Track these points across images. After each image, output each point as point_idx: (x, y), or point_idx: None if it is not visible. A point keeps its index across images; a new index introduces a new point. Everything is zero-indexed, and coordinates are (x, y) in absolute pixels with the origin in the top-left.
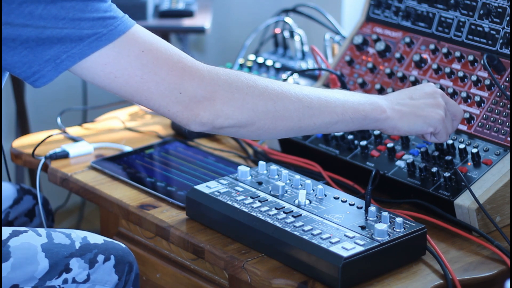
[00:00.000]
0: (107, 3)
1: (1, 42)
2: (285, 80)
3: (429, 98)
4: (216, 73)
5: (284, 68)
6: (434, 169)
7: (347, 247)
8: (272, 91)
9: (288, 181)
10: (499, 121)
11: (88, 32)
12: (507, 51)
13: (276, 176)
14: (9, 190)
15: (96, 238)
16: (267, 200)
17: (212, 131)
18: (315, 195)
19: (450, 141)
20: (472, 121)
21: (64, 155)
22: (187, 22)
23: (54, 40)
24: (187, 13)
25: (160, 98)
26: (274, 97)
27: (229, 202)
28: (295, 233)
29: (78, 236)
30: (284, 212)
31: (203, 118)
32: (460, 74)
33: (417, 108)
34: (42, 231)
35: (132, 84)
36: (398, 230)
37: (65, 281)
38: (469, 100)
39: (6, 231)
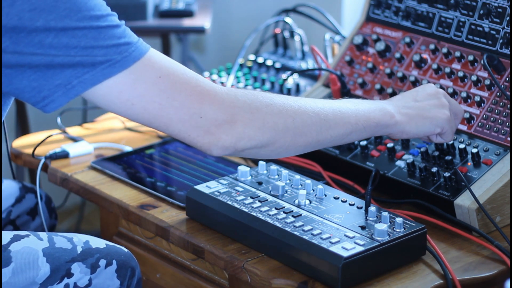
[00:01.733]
0: (121, 28)
1: (0, 69)
2: (285, 80)
3: (434, 99)
4: (234, 95)
5: (284, 68)
6: (434, 169)
7: (347, 247)
8: (289, 108)
9: (288, 181)
10: (499, 121)
11: (101, 59)
12: (507, 51)
13: (276, 176)
14: (12, 188)
15: (98, 243)
16: (267, 200)
17: (233, 154)
18: (315, 195)
19: (450, 141)
20: (472, 121)
21: (64, 155)
22: (187, 22)
23: (65, 66)
24: (187, 13)
25: (180, 124)
26: (293, 113)
27: (229, 202)
28: (295, 233)
29: (80, 240)
30: (284, 212)
31: (225, 141)
32: (460, 74)
33: (423, 110)
34: (43, 235)
35: (151, 111)
36: (398, 230)
37: (67, 286)
38: (469, 100)
39: (8, 235)
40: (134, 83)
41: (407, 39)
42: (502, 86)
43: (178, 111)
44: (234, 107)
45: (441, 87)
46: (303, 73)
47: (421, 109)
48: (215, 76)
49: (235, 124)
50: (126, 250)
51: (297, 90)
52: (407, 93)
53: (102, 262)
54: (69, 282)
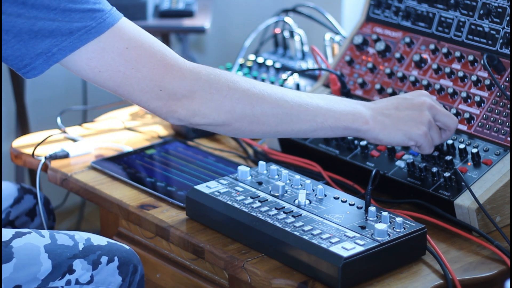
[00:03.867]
0: None
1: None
2: (285, 80)
3: (415, 111)
4: (197, 73)
5: (284, 68)
6: (434, 169)
7: (347, 247)
8: (252, 94)
9: (288, 181)
10: (499, 121)
11: (77, 25)
12: (507, 51)
13: (276, 176)
14: (10, 189)
15: (99, 240)
16: (267, 200)
17: (189, 126)
18: (315, 195)
19: (450, 141)
20: (472, 121)
21: (64, 155)
22: (187, 22)
23: (45, 33)
24: (187, 13)
25: (141, 94)
26: (254, 101)
27: (229, 202)
28: (295, 233)
29: (82, 237)
30: (284, 212)
31: (180, 115)
32: (460, 74)
33: (399, 121)
34: (45, 232)
35: (115, 79)
36: (398, 230)
37: (68, 282)
38: (469, 100)
39: (9, 232)
40: (103, 51)
41: (407, 39)
42: (502, 86)
43: (140, 82)
44: (195, 84)
45: (441, 87)
46: (303, 73)
47: (397, 119)
48: None
49: (192, 100)
50: (127, 247)
51: (297, 90)
52: (394, 98)
53: (104, 259)
54: (71, 278)
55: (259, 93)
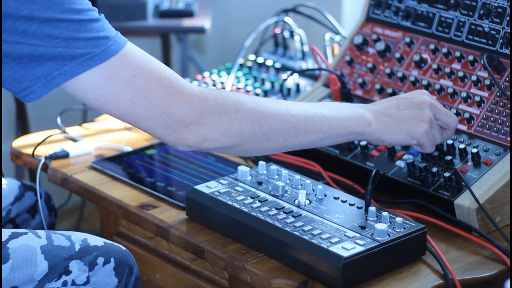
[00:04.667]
0: (100, 22)
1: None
2: (285, 80)
3: (416, 109)
4: (205, 98)
5: (284, 68)
6: (434, 169)
7: (347, 247)
8: (259, 114)
9: (288, 181)
10: (499, 121)
11: (80, 51)
12: (507, 51)
13: (276, 176)
14: (11, 186)
15: (96, 240)
16: (267, 200)
17: (199, 150)
18: (315, 195)
19: (450, 141)
20: (472, 121)
21: (64, 155)
22: (187, 22)
23: (46, 57)
24: (187, 13)
25: (149, 121)
26: (262, 120)
27: (229, 202)
28: (295, 233)
29: (78, 238)
30: (284, 212)
31: (190, 142)
32: (460, 74)
33: (401, 120)
34: (41, 233)
35: (122, 108)
36: (398, 230)
37: (65, 284)
38: (469, 100)
39: (6, 233)
40: (109, 80)
41: (407, 39)
42: (502, 86)
43: (148, 110)
44: (203, 110)
45: (441, 87)
46: (303, 73)
47: (399, 119)
48: (215, 76)
49: (201, 126)
50: (124, 248)
51: (297, 90)
52: (394, 98)
53: (100, 260)
54: (67, 279)
55: (266, 111)
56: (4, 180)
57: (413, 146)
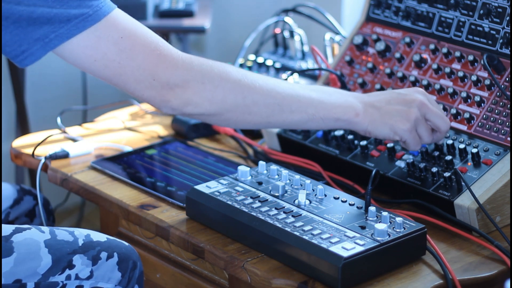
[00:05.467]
0: None
1: (1, 17)
2: (285, 80)
3: (404, 106)
4: (190, 63)
5: (284, 68)
6: (434, 169)
7: (347, 247)
8: (244, 85)
9: (288, 181)
10: (499, 121)
11: (75, 12)
12: (507, 51)
13: (276, 176)
14: (9, 190)
15: (99, 236)
16: (267, 200)
17: (182, 115)
18: (315, 195)
19: (450, 141)
20: (472, 121)
21: (64, 155)
22: (187, 22)
23: (44, 20)
24: (187, 13)
25: (135, 83)
26: (245, 91)
27: (229, 202)
28: (295, 233)
29: (81, 233)
30: (284, 212)
31: (173, 104)
32: (460, 74)
33: (387, 114)
34: (45, 228)
35: (110, 68)
36: (398, 230)
37: (68, 277)
38: (469, 100)
39: (9, 228)
40: (98, 40)
41: (407, 39)
42: (502, 86)
43: (134, 71)
44: (187, 74)
45: (441, 87)
46: (303, 73)
47: (386, 113)
48: None
49: (185, 90)
50: (127, 244)
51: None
52: (389, 92)
53: (103, 255)
54: (71, 273)
55: (250, 84)
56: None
57: (400, 142)
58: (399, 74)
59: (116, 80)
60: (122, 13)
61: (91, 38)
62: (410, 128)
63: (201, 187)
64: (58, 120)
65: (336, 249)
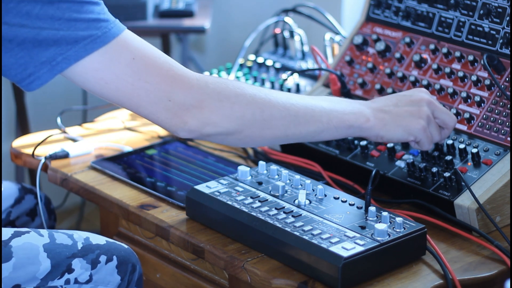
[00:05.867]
0: (100, 6)
1: (1, 42)
2: (285, 80)
3: (414, 106)
4: (205, 82)
5: (284, 68)
6: (434, 169)
7: (347, 247)
8: (259, 99)
9: (288, 181)
10: (499, 121)
11: (83, 34)
12: (507, 51)
13: (276, 176)
14: (11, 189)
15: (98, 239)
16: (267, 200)
17: (200, 138)
18: (315, 195)
19: (450, 141)
20: (472, 121)
21: (64, 155)
22: (187, 22)
23: (50, 42)
24: (187, 13)
25: (149, 105)
26: (262, 105)
27: (229, 202)
28: (295, 233)
29: (81, 236)
30: (284, 212)
31: (191, 125)
32: (460, 74)
33: (398, 117)
34: (44, 231)
35: (123, 91)
36: (398, 230)
37: (67, 282)
38: (469, 100)
39: (8, 231)
40: (110, 62)
41: (407, 39)
42: (502, 86)
43: (149, 93)
44: (203, 93)
45: (441, 87)
46: (303, 73)
47: (397, 116)
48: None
49: (202, 110)
50: (126, 246)
51: (297, 90)
52: (393, 95)
53: (103, 258)
54: (70, 277)
55: (265, 98)
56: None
57: (410, 143)
58: (399, 74)
59: (129, 103)
60: (132, 34)
61: (102, 60)
62: (425, 127)
63: (201, 187)
64: (58, 120)
65: (336, 249)
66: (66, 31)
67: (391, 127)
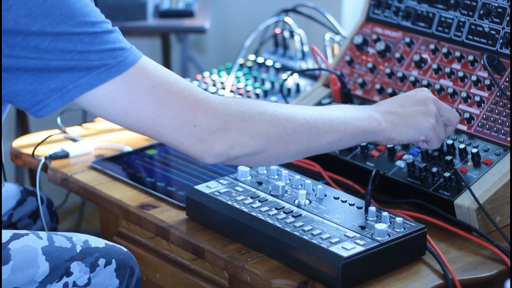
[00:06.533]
0: (115, 34)
1: (0, 75)
2: (285, 80)
3: (421, 105)
4: (227, 104)
5: (284, 68)
6: (434, 169)
7: (347, 247)
8: (281, 115)
9: (288, 181)
10: (499, 121)
11: (96, 63)
12: (507, 51)
13: (276, 176)
14: (13, 191)
15: (97, 242)
16: (267, 200)
17: (227, 162)
18: (315, 195)
19: (450, 141)
20: (472, 121)
21: (64, 155)
22: (187, 22)
23: (61, 70)
24: (187, 13)
25: (173, 132)
26: (284, 121)
27: (229, 202)
28: (295, 233)
29: (80, 239)
30: (284, 212)
31: (219, 149)
32: (460, 74)
33: (408, 117)
34: (43, 234)
35: (144, 120)
36: (398, 230)
37: (66, 285)
38: (469, 100)
39: (7, 234)
40: (128, 92)
41: (407, 39)
42: (502, 86)
43: (172, 120)
44: (227, 115)
45: (441, 87)
46: (303, 73)
47: (406, 116)
48: (215, 76)
49: (228, 132)
50: (125, 249)
51: (297, 90)
52: (397, 97)
53: (102, 261)
54: (68, 280)
55: (286, 113)
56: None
57: (419, 143)
58: (399, 74)
59: (151, 131)
60: (150, 61)
61: (120, 90)
62: (434, 125)
63: (201, 187)
64: (58, 120)
65: (336, 249)
66: (78, 61)
67: (402, 128)
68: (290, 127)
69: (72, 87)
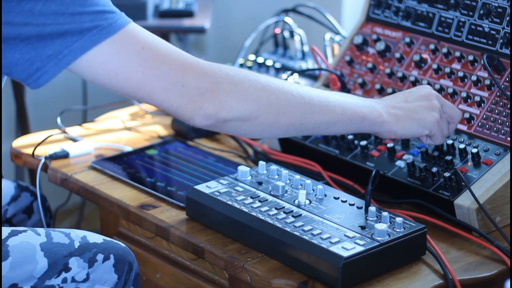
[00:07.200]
0: None
1: (0, 43)
2: (285, 80)
3: (424, 101)
4: (217, 67)
5: (284, 68)
6: (434, 169)
7: (347, 247)
8: (273, 85)
9: (288, 181)
10: (499, 121)
11: (88, 25)
12: (507, 51)
13: (276, 176)
14: (7, 187)
15: (95, 238)
16: (267, 200)
17: (216, 125)
18: (315, 195)
19: (450, 141)
20: (472, 121)
21: (64, 155)
22: (187, 22)
23: (55, 35)
24: (187, 13)
25: (163, 93)
26: (276, 91)
27: (229, 202)
28: (295, 233)
29: (78, 235)
30: (284, 212)
31: (207, 109)
32: (460, 74)
33: (412, 111)
34: (41, 230)
35: (134, 81)
36: (398, 230)
37: (64, 280)
38: (469, 100)
39: (5, 230)
40: (118, 53)
41: (407, 39)
42: (502, 86)
43: (161, 80)
44: (217, 77)
45: (441, 87)
46: (303, 73)
47: (410, 110)
48: None
49: (217, 92)
50: (123, 245)
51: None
52: (399, 93)
53: (100, 257)
54: (67, 276)
55: (279, 84)
56: None
57: (422, 138)
58: (399, 74)
59: (141, 93)
60: (139, 27)
61: (110, 51)
62: (438, 119)
63: (201, 187)
64: (58, 120)
65: (336, 249)
66: (70, 25)
67: (405, 122)
68: (282, 97)
69: (67, 52)
